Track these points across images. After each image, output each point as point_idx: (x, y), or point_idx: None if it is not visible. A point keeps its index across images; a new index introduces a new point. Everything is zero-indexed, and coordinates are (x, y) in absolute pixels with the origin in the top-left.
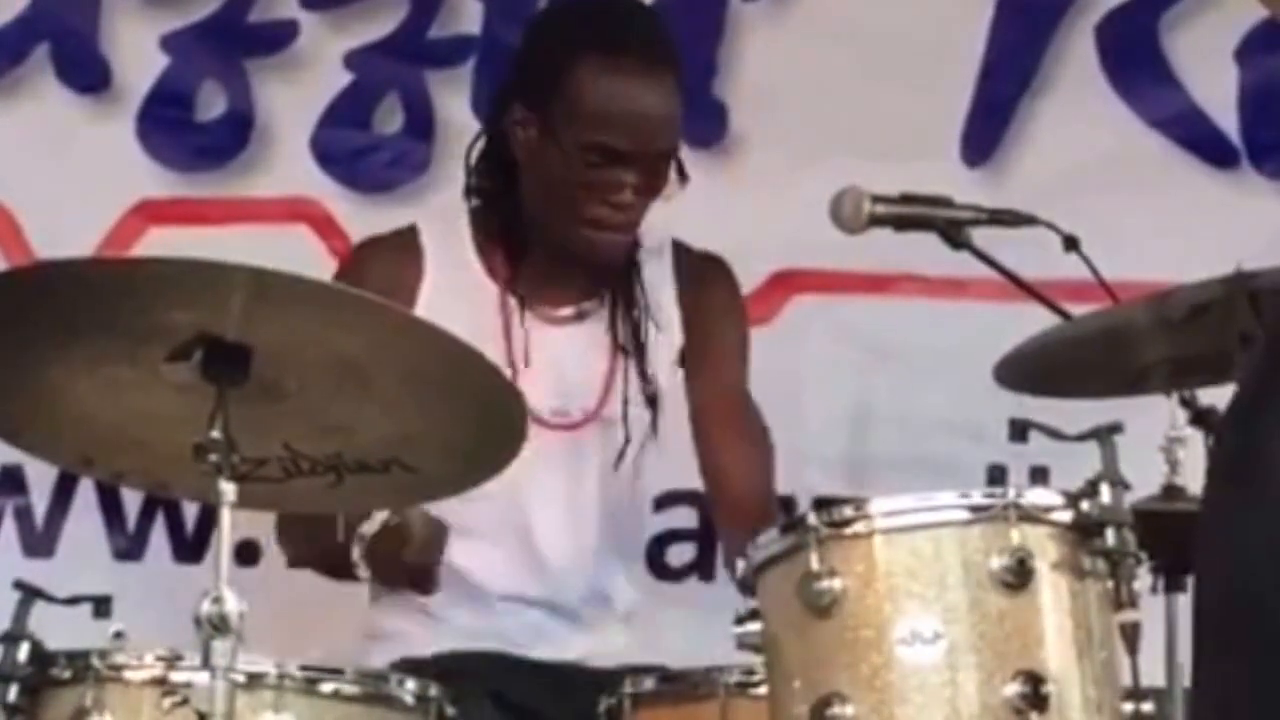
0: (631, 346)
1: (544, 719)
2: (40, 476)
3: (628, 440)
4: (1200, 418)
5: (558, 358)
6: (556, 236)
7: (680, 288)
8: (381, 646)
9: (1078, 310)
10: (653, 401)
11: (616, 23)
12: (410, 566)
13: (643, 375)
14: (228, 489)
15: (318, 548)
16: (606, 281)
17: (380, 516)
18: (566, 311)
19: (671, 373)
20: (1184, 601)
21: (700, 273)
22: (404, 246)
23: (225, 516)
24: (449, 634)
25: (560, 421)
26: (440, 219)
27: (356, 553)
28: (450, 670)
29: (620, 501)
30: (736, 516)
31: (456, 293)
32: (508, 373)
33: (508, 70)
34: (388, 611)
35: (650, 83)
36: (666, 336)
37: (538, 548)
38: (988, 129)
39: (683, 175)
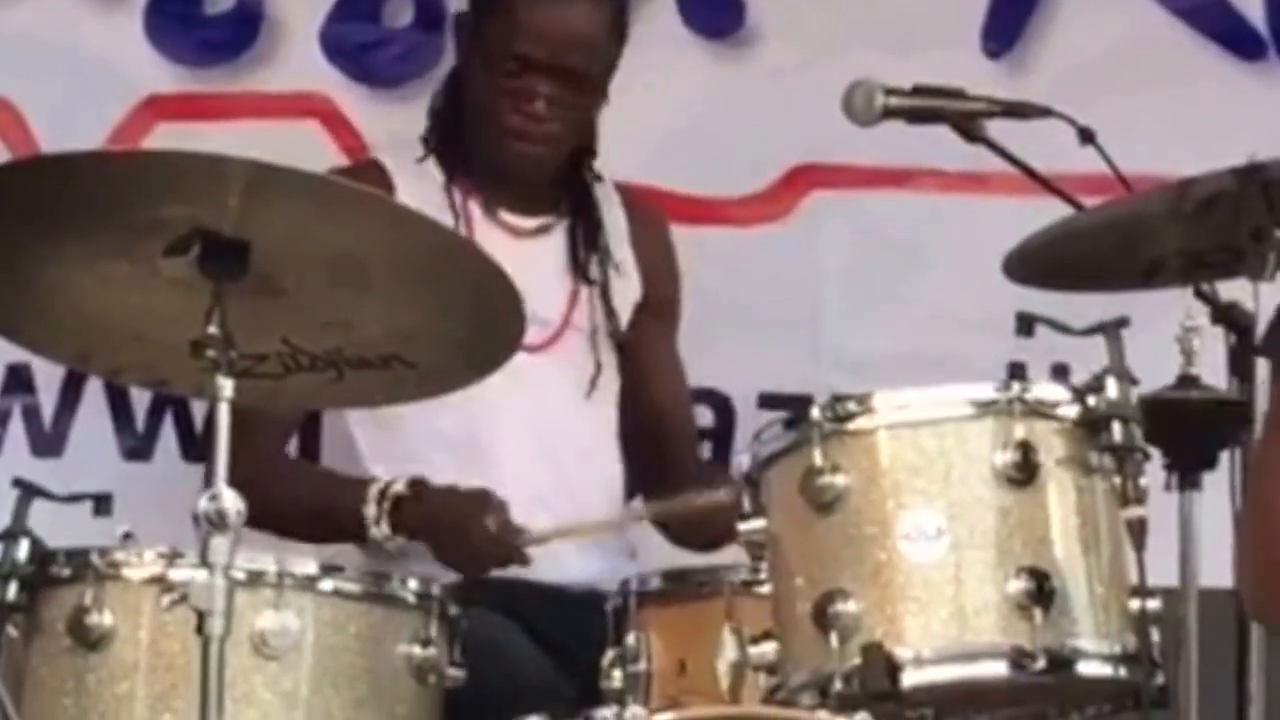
0: (594, 272)
1: (557, 637)
2: (48, 375)
3: (599, 367)
4: (1221, 314)
5: (520, 270)
6: (483, 146)
7: (632, 231)
8: None
9: None
10: (617, 338)
11: None
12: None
13: (607, 306)
14: (225, 385)
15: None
16: (564, 199)
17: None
18: (529, 224)
19: (631, 309)
20: (1198, 499)
21: (651, 221)
22: (372, 176)
23: (223, 412)
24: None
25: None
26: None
27: (373, 512)
28: (459, 598)
29: (595, 433)
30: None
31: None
32: None
33: None
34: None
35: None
36: (625, 279)
37: (503, 478)
38: (1009, 19)
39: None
